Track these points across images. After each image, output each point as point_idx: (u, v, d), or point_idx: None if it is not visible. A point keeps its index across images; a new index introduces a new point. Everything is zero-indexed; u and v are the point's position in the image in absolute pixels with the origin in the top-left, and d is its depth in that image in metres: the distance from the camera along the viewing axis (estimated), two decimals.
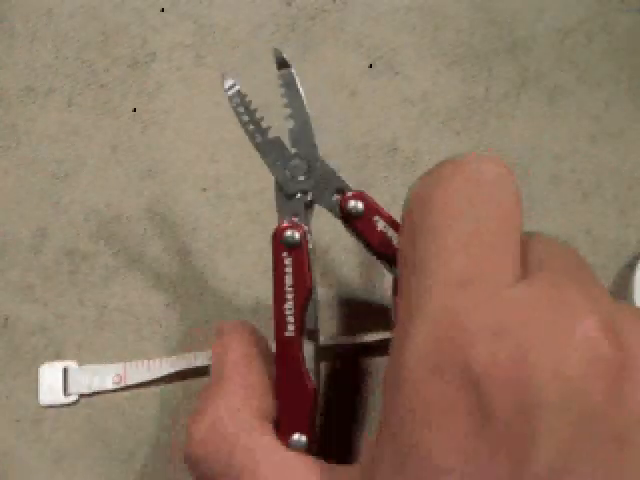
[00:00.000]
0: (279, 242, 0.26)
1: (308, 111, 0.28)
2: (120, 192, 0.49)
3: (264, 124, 0.28)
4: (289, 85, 0.28)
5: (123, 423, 0.45)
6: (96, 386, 0.44)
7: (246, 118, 0.28)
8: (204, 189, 0.49)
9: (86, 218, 0.48)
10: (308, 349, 0.26)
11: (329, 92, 0.51)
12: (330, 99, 0.51)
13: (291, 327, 0.26)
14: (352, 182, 0.51)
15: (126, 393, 0.45)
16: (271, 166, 0.27)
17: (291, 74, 0.27)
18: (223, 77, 0.29)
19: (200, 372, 0.44)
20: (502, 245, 0.21)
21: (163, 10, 0.52)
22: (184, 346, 0.45)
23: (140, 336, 0.46)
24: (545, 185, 0.49)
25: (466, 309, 0.19)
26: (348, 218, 0.27)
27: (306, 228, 0.26)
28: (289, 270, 0.25)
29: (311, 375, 0.26)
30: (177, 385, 0.45)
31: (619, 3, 0.52)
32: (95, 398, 0.45)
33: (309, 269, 0.26)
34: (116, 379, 0.44)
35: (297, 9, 0.52)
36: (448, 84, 0.51)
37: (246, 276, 0.47)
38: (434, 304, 0.19)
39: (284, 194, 0.27)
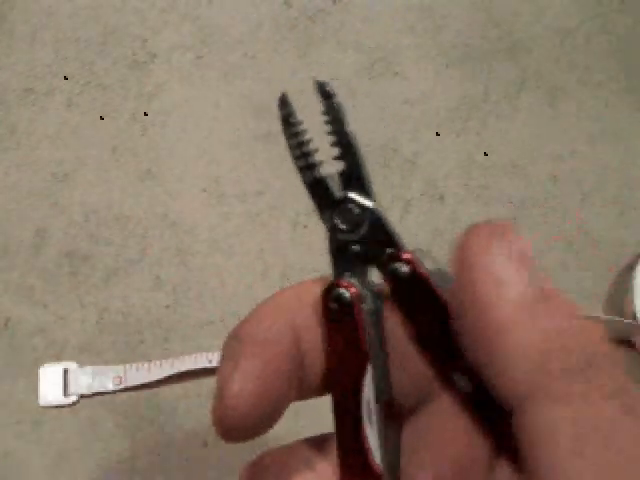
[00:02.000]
0: (328, 302, 0.22)
1: (360, 150, 0.24)
2: (120, 192, 0.49)
3: (316, 158, 0.24)
4: (336, 120, 0.24)
5: (123, 424, 0.45)
6: (96, 387, 0.45)
7: (298, 152, 0.24)
8: (204, 189, 0.49)
9: (86, 218, 0.48)
10: (372, 431, 0.21)
11: None
12: None
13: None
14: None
15: (126, 394, 0.45)
16: (319, 209, 0.24)
17: (338, 106, 0.23)
18: (281, 99, 0.24)
19: (200, 374, 0.45)
20: None
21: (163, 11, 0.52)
22: (184, 348, 0.45)
23: (140, 338, 0.46)
24: (545, 185, 0.49)
25: None
26: (392, 283, 0.22)
27: (358, 287, 0.22)
28: (342, 335, 0.22)
29: (379, 460, 0.21)
30: (177, 387, 0.45)
31: (619, 4, 0.52)
32: (95, 399, 0.45)
33: (364, 333, 0.22)
34: (116, 380, 0.44)
35: (297, 10, 0.52)
36: (447, 85, 0.51)
37: (246, 277, 0.47)
38: None
39: (334, 244, 0.23)
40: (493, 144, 0.50)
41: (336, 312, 0.22)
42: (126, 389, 0.45)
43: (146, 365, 0.45)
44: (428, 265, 0.22)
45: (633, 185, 0.49)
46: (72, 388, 0.45)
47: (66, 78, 0.51)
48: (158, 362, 0.45)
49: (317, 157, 0.24)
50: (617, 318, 0.45)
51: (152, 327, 0.46)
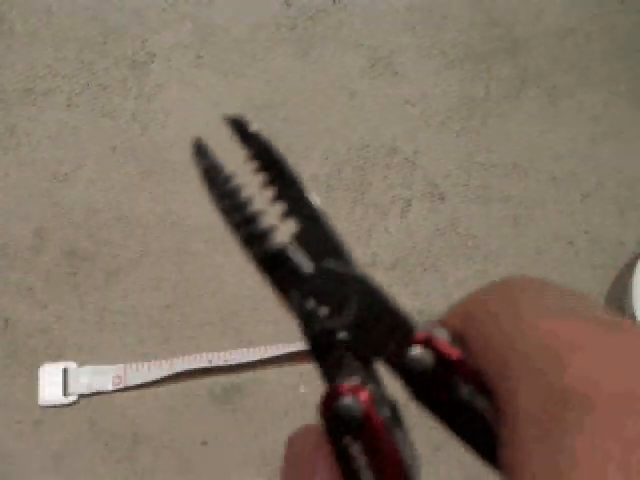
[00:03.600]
0: (331, 420, 0.16)
1: (315, 199, 0.17)
2: (120, 192, 0.49)
3: (261, 225, 0.18)
4: (272, 164, 0.18)
5: (123, 424, 0.45)
6: (96, 387, 0.45)
7: (236, 217, 0.18)
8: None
9: (86, 218, 0.48)
10: None
11: (329, 92, 0.51)
12: (330, 99, 0.51)
13: None
14: (352, 183, 0.51)
15: (126, 394, 0.45)
16: (281, 292, 0.17)
17: (268, 146, 0.18)
18: (196, 146, 0.18)
19: (200, 374, 0.44)
20: None
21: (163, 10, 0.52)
22: (184, 348, 0.45)
23: (140, 338, 0.46)
24: (545, 185, 0.49)
25: None
26: (409, 375, 0.16)
27: (370, 389, 0.16)
28: (361, 462, 0.15)
29: None
30: (177, 387, 0.45)
31: (618, 4, 0.52)
32: (95, 399, 0.45)
33: (396, 449, 0.15)
34: (116, 380, 0.44)
35: (297, 9, 0.52)
36: (447, 84, 0.51)
37: (246, 277, 0.47)
38: None
39: (313, 336, 0.17)
40: (493, 144, 0.50)
41: (344, 430, 0.15)
42: (126, 389, 0.45)
43: (146, 365, 0.45)
44: (449, 340, 0.16)
45: (633, 185, 0.49)
46: (72, 388, 0.45)
47: (66, 78, 0.51)
48: (158, 362, 0.45)
49: (264, 222, 0.17)
50: None
51: (152, 327, 0.46)
